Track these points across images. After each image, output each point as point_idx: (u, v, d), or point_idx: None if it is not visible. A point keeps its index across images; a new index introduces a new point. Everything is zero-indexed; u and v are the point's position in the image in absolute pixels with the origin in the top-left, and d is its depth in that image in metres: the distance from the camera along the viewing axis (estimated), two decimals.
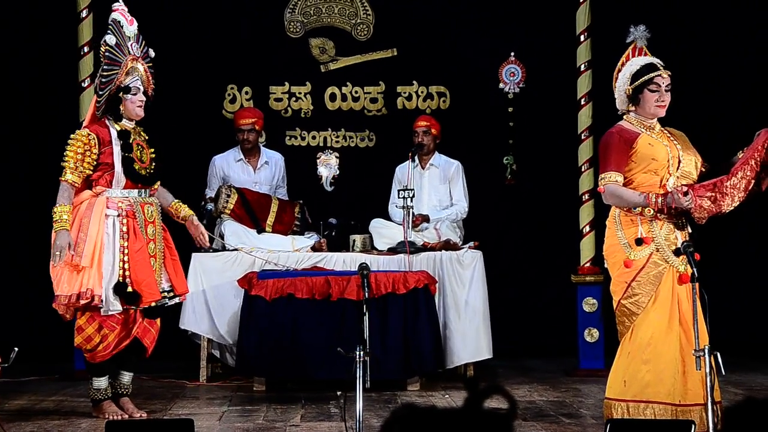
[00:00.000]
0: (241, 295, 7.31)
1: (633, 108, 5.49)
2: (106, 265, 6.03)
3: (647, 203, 5.28)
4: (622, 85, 5.50)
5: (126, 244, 6.07)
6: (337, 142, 9.15)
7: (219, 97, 9.12)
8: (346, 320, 7.10)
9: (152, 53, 6.31)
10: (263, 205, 7.97)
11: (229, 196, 7.86)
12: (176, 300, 6.36)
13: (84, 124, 6.27)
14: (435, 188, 8.21)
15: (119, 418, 6.14)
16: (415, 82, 9.21)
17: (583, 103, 8.02)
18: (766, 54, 9.03)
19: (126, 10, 6.20)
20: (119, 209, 6.10)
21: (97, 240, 6.02)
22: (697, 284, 5.03)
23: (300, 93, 9.18)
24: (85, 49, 7.96)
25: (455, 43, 9.11)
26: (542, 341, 8.86)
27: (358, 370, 5.19)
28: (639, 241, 5.33)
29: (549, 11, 8.90)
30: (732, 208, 5.30)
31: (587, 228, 7.98)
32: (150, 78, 6.25)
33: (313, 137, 9.18)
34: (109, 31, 6.11)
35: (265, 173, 8.27)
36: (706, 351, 4.92)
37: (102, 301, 6.00)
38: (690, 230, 5.44)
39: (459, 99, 9.18)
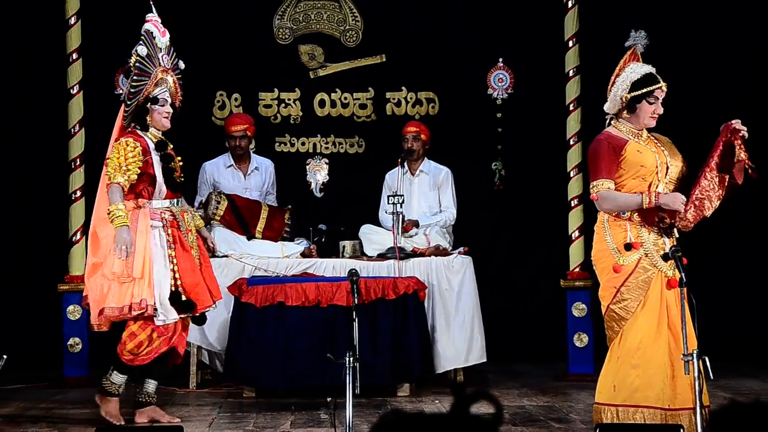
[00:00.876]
0: (230, 302, 7.31)
1: (626, 115, 5.48)
2: (158, 275, 6.02)
3: (643, 201, 5.30)
4: (619, 91, 5.47)
5: (173, 253, 6.10)
6: (326, 148, 9.17)
7: (208, 104, 9.13)
8: (336, 326, 7.11)
9: (182, 65, 6.32)
10: (253, 211, 7.98)
11: (219, 202, 7.87)
12: (215, 306, 6.34)
13: (115, 134, 6.21)
14: (424, 194, 8.22)
15: (115, 422, 6.14)
16: (404, 88, 9.23)
17: (571, 108, 8.04)
18: (751, 61, 9.07)
19: (159, 21, 6.19)
20: (163, 219, 6.12)
21: (146, 251, 6.01)
22: (685, 289, 5.04)
23: (289, 99, 9.20)
24: (74, 56, 7.96)
25: (444, 49, 9.13)
26: (532, 346, 8.88)
27: (347, 376, 5.20)
28: (628, 246, 5.34)
29: (537, 17, 8.93)
30: (714, 208, 5.31)
31: (576, 233, 8.00)
32: (178, 89, 6.27)
33: (303, 143, 9.19)
34: (141, 42, 6.11)
35: (255, 179, 8.28)
36: (695, 355, 4.94)
37: (155, 310, 5.99)
38: (678, 235, 5.46)
39: (448, 105, 9.20)
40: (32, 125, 8.89)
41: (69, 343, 7.87)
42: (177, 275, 6.08)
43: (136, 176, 6.04)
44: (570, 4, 8.04)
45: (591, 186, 5.42)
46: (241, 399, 7.17)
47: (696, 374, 4.92)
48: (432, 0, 9.15)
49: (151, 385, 6.35)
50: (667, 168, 5.41)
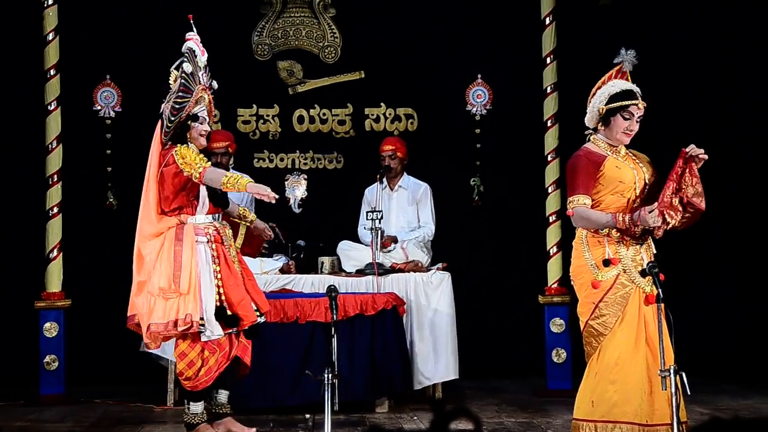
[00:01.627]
0: None
1: (602, 128, 5.51)
2: (204, 290, 5.99)
3: (615, 223, 5.32)
4: (597, 102, 5.50)
5: (218, 268, 6.07)
6: (305, 164, 9.16)
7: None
8: (315, 342, 7.10)
9: (215, 84, 6.32)
10: (232, 227, 7.95)
11: None
12: (263, 318, 6.30)
13: (154, 152, 6.16)
14: (403, 210, 8.23)
15: None
16: (382, 104, 9.24)
17: (549, 124, 8.07)
18: (729, 78, 9.13)
19: (199, 39, 6.19)
20: (207, 235, 6.10)
21: (192, 267, 5.98)
22: (662, 304, 5.06)
23: (268, 115, 9.19)
24: (52, 72, 7.94)
25: (422, 65, 9.16)
26: (510, 362, 8.88)
27: (326, 392, 5.19)
28: (606, 262, 5.35)
29: (515, 34, 8.96)
30: (675, 222, 5.31)
31: (554, 249, 8.01)
32: (212, 109, 6.28)
33: (281, 159, 9.19)
34: (185, 59, 6.10)
35: (234, 195, 8.24)
36: (672, 371, 4.96)
37: (201, 326, 5.94)
38: (655, 251, 5.48)
39: (427, 121, 9.22)
40: (9, 141, 8.86)
41: (45, 360, 7.82)
42: (222, 290, 6.05)
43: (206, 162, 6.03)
44: (548, 21, 8.07)
45: (568, 201, 5.43)
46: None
47: (673, 390, 4.94)
48: (411, 16, 9.18)
49: (223, 396, 6.29)
50: (645, 184, 5.43)
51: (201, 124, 6.13)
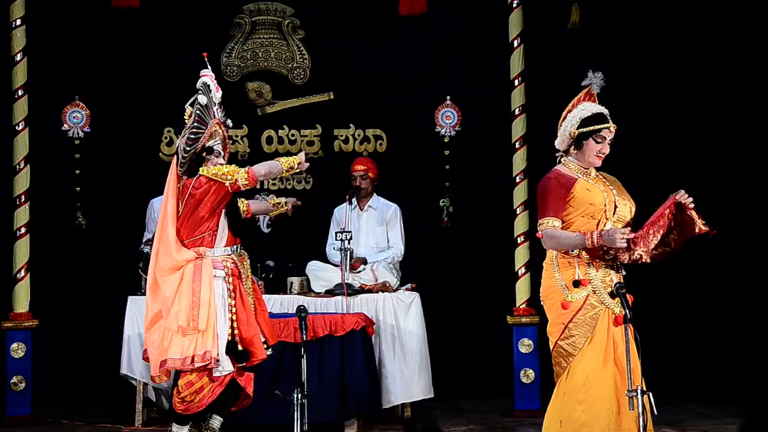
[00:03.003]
0: None
1: (574, 151, 5.54)
2: (219, 326, 5.97)
3: (584, 241, 5.34)
4: (568, 126, 5.52)
5: (233, 302, 6.05)
6: (273, 184, 9.17)
7: (156, 140, 9.10)
8: (284, 363, 7.09)
9: (230, 123, 6.33)
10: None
11: None
12: (270, 351, 6.26)
13: (170, 185, 6.13)
14: (372, 230, 8.25)
15: None
16: (351, 125, 9.27)
17: (517, 146, 8.12)
18: (694, 102, 9.22)
19: (213, 77, 6.21)
20: (225, 268, 6.08)
21: (210, 303, 5.96)
22: (630, 325, 5.10)
23: (237, 136, 9.20)
24: (20, 92, 7.92)
25: (391, 86, 9.19)
26: (478, 382, 8.90)
27: (296, 413, 5.19)
28: (576, 283, 5.38)
29: (484, 56, 9.02)
30: (638, 257, 5.35)
31: (522, 270, 8.05)
32: (227, 144, 6.27)
33: None
34: (200, 92, 6.10)
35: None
36: (639, 391, 4.99)
37: (217, 362, 5.94)
38: (625, 272, 5.52)
39: (396, 142, 9.25)
40: None
41: (12, 381, 7.77)
42: (235, 325, 6.04)
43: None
44: (516, 44, 8.14)
45: (538, 224, 5.46)
46: None
47: (640, 410, 4.98)
48: (379, 38, 9.22)
49: (216, 422, 6.23)
50: (615, 206, 5.47)
51: (216, 157, 6.12)
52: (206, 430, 6.23)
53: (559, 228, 5.40)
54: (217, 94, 6.18)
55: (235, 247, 6.20)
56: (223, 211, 6.11)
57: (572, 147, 5.53)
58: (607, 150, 5.52)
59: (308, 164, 6.19)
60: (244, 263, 6.21)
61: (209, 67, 6.27)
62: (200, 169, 6.06)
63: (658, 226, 5.29)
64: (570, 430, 5.33)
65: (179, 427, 6.13)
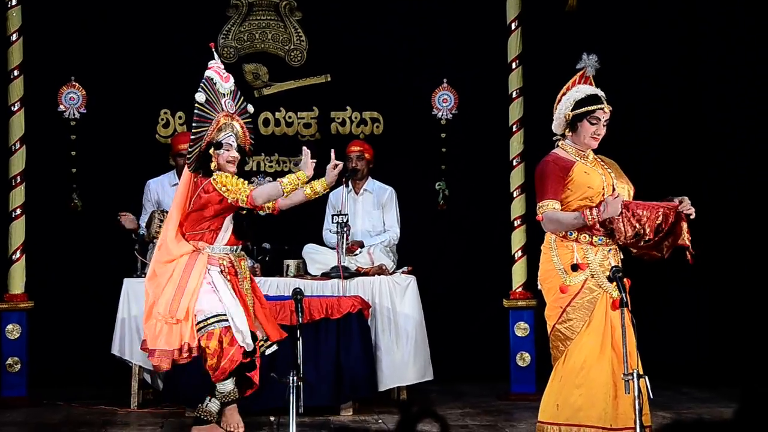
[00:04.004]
0: None
1: (569, 134, 5.54)
2: (230, 306, 5.98)
3: (584, 220, 5.34)
4: (563, 108, 5.53)
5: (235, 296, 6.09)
6: (270, 166, 9.15)
7: (152, 122, 9.07)
8: (280, 345, 7.07)
9: (251, 109, 6.29)
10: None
11: (161, 220, 7.80)
12: (273, 348, 6.28)
13: (184, 181, 6.16)
14: (368, 213, 8.24)
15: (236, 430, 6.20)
16: (348, 107, 9.25)
17: (514, 129, 8.10)
18: (691, 82, 9.21)
19: (222, 67, 6.17)
20: (221, 266, 6.09)
21: (194, 294, 5.98)
22: (626, 309, 5.10)
23: None
24: (15, 73, 7.89)
25: (388, 69, 9.17)
26: (474, 366, 8.90)
27: (291, 395, 5.19)
28: (575, 267, 5.38)
29: (481, 39, 9.00)
30: (623, 240, 5.34)
31: (519, 253, 8.05)
32: (247, 134, 6.23)
33: (247, 162, 9.15)
34: (200, 89, 6.07)
35: None
36: (635, 375, 5.00)
37: (197, 349, 5.97)
38: (622, 256, 5.52)
39: (392, 124, 9.23)
40: None
41: (7, 362, 7.77)
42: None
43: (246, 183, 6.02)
44: (513, 27, 8.11)
45: (538, 207, 5.45)
46: (183, 418, 7.11)
47: (636, 394, 4.98)
48: (377, 20, 9.19)
49: (214, 405, 6.25)
50: (613, 189, 5.46)
51: (227, 150, 6.09)
52: (204, 413, 6.24)
53: (559, 210, 5.39)
54: (226, 85, 6.14)
55: (235, 247, 6.20)
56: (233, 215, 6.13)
57: (567, 130, 5.53)
58: (602, 131, 5.51)
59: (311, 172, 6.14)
60: (242, 264, 6.20)
61: (216, 57, 6.24)
62: (212, 165, 6.04)
63: (649, 207, 5.29)
64: (566, 414, 5.34)
65: (224, 384, 6.12)
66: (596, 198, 5.42)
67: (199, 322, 5.96)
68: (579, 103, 5.49)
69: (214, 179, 6.00)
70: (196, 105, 6.06)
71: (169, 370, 6.20)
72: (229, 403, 6.21)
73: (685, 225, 5.33)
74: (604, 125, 5.52)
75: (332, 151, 6.04)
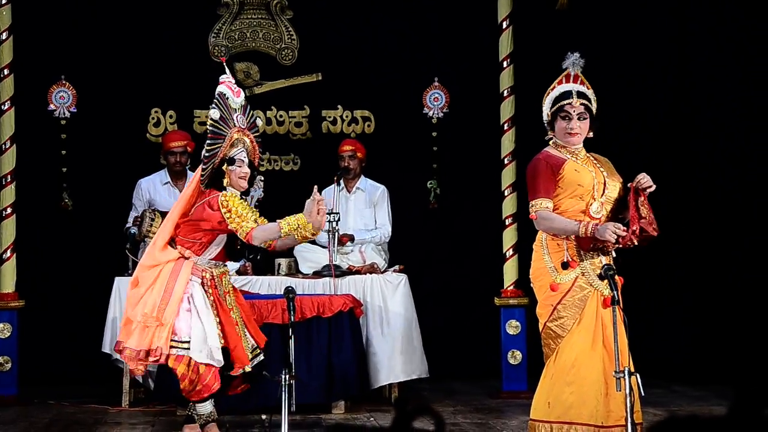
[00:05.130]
0: None
1: (552, 134, 5.57)
2: (204, 317, 5.96)
3: (577, 231, 5.35)
4: (545, 110, 5.58)
5: (216, 312, 6.06)
6: (262, 165, 9.13)
7: (143, 121, 9.06)
8: (272, 344, 7.07)
9: (259, 122, 6.28)
10: None
11: (153, 219, 7.79)
12: (260, 357, 6.24)
13: (189, 192, 6.11)
14: (360, 212, 8.24)
15: None
16: (339, 106, 9.25)
17: (506, 128, 8.11)
18: (681, 81, 9.23)
19: (233, 82, 6.15)
20: (203, 279, 6.07)
21: (181, 301, 5.96)
22: (617, 307, 5.11)
23: None
24: (5, 71, 7.87)
25: (379, 68, 9.17)
26: (466, 364, 8.91)
27: (283, 393, 5.19)
28: (565, 265, 5.38)
29: (472, 37, 9.00)
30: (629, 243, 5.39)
31: (510, 251, 8.05)
32: (257, 148, 6.20)
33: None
34: (213, 106, 6.05)
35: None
36: (626, 372, 5.01)
37: (181, 348, 5.94)
38: (614, 255, 5.53)
39: (383, 123, 9.23)
40: None
41: None
42: (221, 334, 6.05)
43: (257, 215, 5.99)
44: (504, 25, 8.12)
45: (530, 205, 5.46)
46: (175, 417, 7.10)
47: (627, 391, 4.99)
48: (368, 19, 9.19)
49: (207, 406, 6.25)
50: (605, 187, 5.47)
51: (239, 167, 6.07)
52: (192, 412, 6.23)
53: (552, 209, 5.40)
54: (237, 100, 6.10)
55: (220, 263, 6.19)
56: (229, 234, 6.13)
57: (550, 129, 5.56)
58: (575, 126, 5.48)
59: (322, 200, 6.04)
60: (223, 279, 6.19)
61: (227, 71, 6.23)
62: (224, 181, 6.03)
63: (638, 219, 5.33)
64: (558, 412, 5.35)
65: (201, 405, 6.13)
66: (586, 196, 5.43)
67: (173, 340, 5.95)
68: (553, 102, 5.53)
69: (223, 199, 5.95)
70: (210, 121, 6.03)
71: (163, 368, 6.19)
72: (209, 422, 6.19)
73: (641, 198, 5.35)
74: (579, 119, 5.51)
75: (314, 187, 6.01)
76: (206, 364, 5.93)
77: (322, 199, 5.89)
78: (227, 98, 6.08)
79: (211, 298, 6.07)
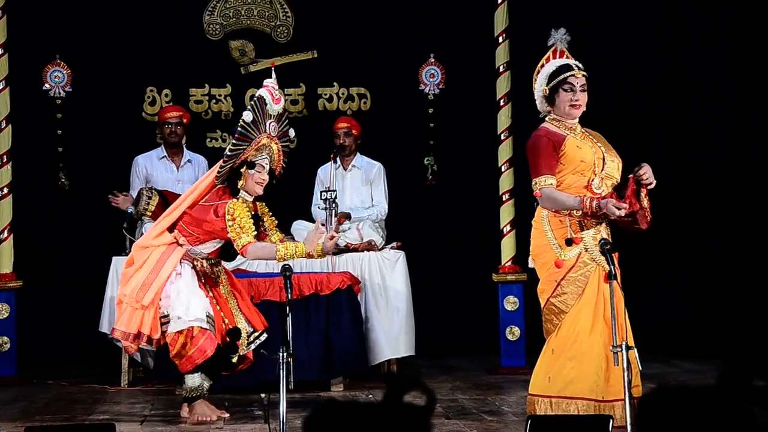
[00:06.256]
0: None
1: (550, 109, 5.55)
2: (198, 298, 6.00)
3: (581, 207, 5.35)
4: (539, 86, 5.57)
5: (212, 294, 6.12)
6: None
7: (138, 99, 9.04)
8: (269, 322, 7.08)
9: (292, 133, 6.27)
10: None
11: (150, 197, 7.77)
12: (263, 337, 6.29)
13: (204, 186, 6.14)
14: (357, 189, 8.23)
15: (216, 416, 6.17)
16: (335, 83, 9.23)
17: (502, 104, 8.09)
18: (676, 56, 9.21)
19: (276, 88, 6.13)
20: (194, 264, 6.09)
21: (164, 284, 5.99)
22: (615, 282, 5.12)
23: (220, 95, 9.15)
24: (0, 51, 7.85)
25: (375, 44, 9.14)
26: (464, 340, 8.92)
27: (281, 371, 5.20)
28: (569, 242, 5.38)
29: (467, 13, 8.97)
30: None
31: (508, 227, 8.05)
32: (281, 157, 6.19)
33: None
34: (249, 108, 6.02)
35: (188, 172, 8.21)
36: (624, 347, 5.01)
37: (156, 342, 6.01)
38: (609, 229, 5.53)
39: (380, 100, 9.21)
40: None
41: None
42: (223, 314, 6.11)
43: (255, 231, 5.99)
44: (500, 0, 8.09)
45: (533, 182, 5.42)
46: (174, 396, 7.11)
47: (625, 366, 5.00)
48: None
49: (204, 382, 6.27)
50: (604, 162, 5.47)
51: (259, 172, 6.06)
52: (190, 390, 6.24)
53: (555, 186, 5.39)
54: (275, 107, 6.08)
55: (214, 258, 6.20)
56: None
57: (547, 105, 5.53)
58: (580, 97, 5.49)
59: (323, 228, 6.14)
60: (214, 270, 6.20)
61: (274, 76, 6.20)
62: (239, 183, 6.02)
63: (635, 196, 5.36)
64: (558, 387, 5.36)
65: (192, 377, 6.12)
66: (587, 172, 5.43)
67: (165, 315, 5.97)
68: (552, 76, 5.51)
69: (230, 208, 5.94)
70: (242, 123, 6.00)
71: (161, 347, 6.21)
72: (196, 398, 6.18)
73: (643, 192, 5.36)
74: (581, 91, 5.51)
75: (318, 220, 6.24)
76: (201, 328, 5.94)
77: (324, 231, 6.01)
78: (266, 103, 6.05)
79: (204, 281, 6.08)
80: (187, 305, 5.96)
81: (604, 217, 5.38)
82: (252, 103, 6.07)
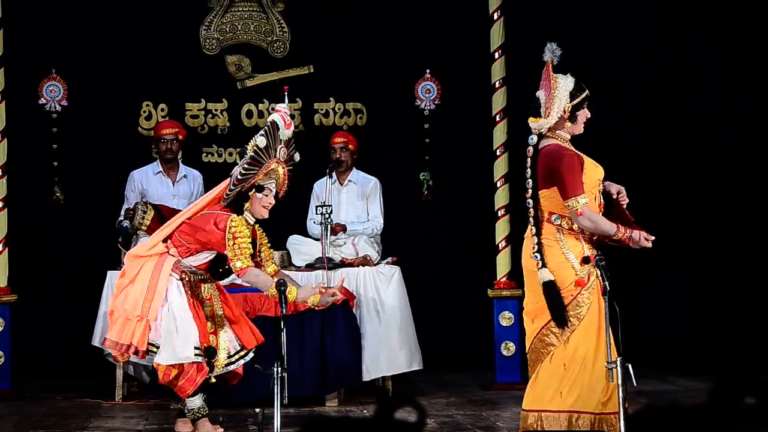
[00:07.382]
0: None
1: (569, 125, 5.46)
2: (187, 321, 6.00)
3: (617, 233, 5.35)
4: (562, 103, 5.41)
5: (196, 311, 6.12)
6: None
7: (134, 114, 9.05)
8: (264, 337, 7.07)
9: (297, 157, 6.29)
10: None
11: (145, 212, 7.78)
12: (250, 355, 6.29)
13: (208, 200, 6.18)
14: (353, 204, 8.23)
15: None
16: (331, 98, 9.24)
17: (498, 119, 8.10)
18: (671, 69, 9.23)
19: (288, 113, 6.16)
20: (182, 277, 6.09)
21: (160, 296, 5.99)
22: (608, 297, 5.12)
23: (216, 110, 9.16)
24: None
25: (371, 60, 9.16)
26: (459, 355, 8.91)
27: (275, 386, 5.19)
28: (587, 260, 5.36)
29: (463, 29, 8.99)
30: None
31: (503, 243, 8.05)
32: (286, 181, 6.22)
33: (230, 154, 9.14)
34: (262, 133, 6.05)
35: (183, 187, 8.22)
36: (618, 363, 5.00)
37: (152, 352, 6.01)
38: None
39: (376, 115, 9.22)
40: None
41: None
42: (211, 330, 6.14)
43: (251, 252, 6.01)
44: (495, 17, 8.11)
45: (573, 200, 5.27)
46: (168, 411, 7.10)
47: (620, 381, 4.99)
48: (359, 11, 9.18)
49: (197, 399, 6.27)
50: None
51: (266, 196, 6.09)
52: (183, 406, 6.24)
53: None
54: (286, 132, 6.11)
55: (201, 272, 6.20)
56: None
57: (567, 122, 5.46)
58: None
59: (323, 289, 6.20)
60: (202, 287, 6.20)
61: (287, 101, 6.22)
62: (245, 205, 6.05)
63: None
64: (570, 401, 5.32)
65: (191, 400, 6.13)
66: (594, 190, 5.42)
67: (149, 344, 5.98)
68: (573, 94, 5.46)
69: (232, 224, 5.95)
70: (255, 147, 6.03)
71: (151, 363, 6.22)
72: (199, 417, 6.20)
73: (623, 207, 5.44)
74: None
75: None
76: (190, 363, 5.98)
77: (323, 292, 6.16)
78: (278, 128, 6.08)
79: (190, 299, 6.07)
80: (177, 340, 5.98)
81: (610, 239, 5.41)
82: (265, 128, 6.10)
